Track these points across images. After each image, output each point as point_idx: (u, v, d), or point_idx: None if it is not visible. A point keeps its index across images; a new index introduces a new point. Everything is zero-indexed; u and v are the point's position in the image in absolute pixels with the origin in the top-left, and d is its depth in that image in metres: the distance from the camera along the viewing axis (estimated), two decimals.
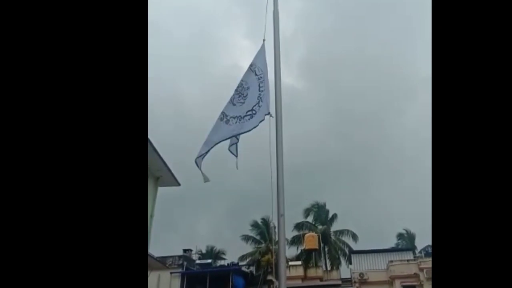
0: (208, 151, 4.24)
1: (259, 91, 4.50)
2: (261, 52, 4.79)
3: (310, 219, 32.38)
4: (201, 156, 4.21)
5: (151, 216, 14.99)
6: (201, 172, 4.21)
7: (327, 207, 32.43)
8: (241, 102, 4.53)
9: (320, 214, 32.06)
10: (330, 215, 31.90)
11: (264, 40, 4.80)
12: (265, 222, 30.33)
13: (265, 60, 4.74)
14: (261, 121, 4.26)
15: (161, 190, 15.96)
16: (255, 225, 31.40)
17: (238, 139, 4.53)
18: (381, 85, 60.63)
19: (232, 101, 4.58)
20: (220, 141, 4.34)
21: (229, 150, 4.55)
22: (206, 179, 4.21)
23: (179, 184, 16.48)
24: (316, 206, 32.53)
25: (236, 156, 4.51)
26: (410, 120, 59.27)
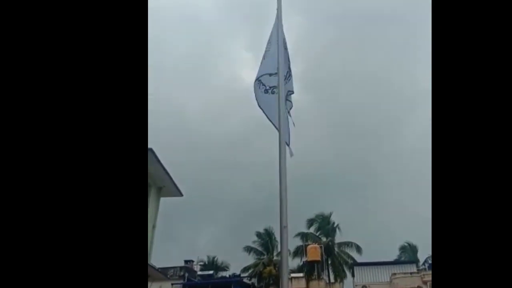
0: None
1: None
2: (275, 22, 4.88)
3: (312, 229, 32.07)
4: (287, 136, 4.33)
5: (154, 227, 14.92)
6: (289, 148, 4.30)
7: (331, 218, 32.08)
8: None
9: (324, 226, 31.69)
10: (334, 227, 31.54)
11: (277, 9, 4.85)
12: (268, 233, 30.15)
13: (277, 27, 4.78)
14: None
15: (163, 200, 15.93)
16: (257, 235, 31.20)
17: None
18: (380, 99, 60.76)
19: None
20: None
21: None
22: (291, 154, 4.26)
23: (181, 195, 16.46)
24: (321, 217, 32.18)
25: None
26: (410, 133, 59.19)
